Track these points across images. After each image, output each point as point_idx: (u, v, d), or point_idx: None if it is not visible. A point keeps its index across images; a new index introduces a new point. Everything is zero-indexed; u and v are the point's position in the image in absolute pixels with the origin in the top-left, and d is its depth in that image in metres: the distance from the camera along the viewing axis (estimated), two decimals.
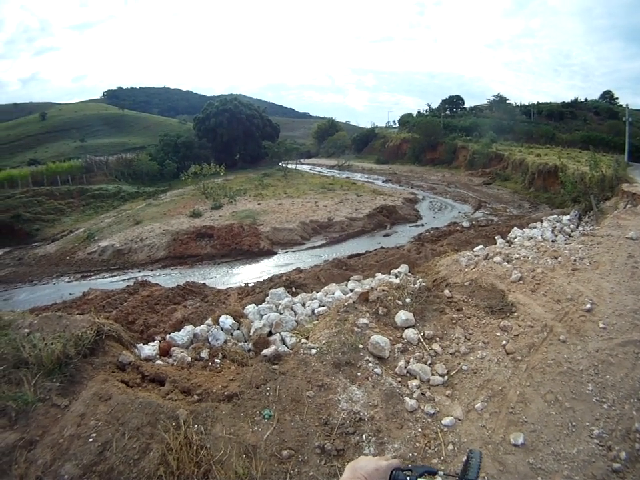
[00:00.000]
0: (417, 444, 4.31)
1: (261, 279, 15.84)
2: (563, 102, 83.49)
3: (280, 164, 55.75)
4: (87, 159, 55.26)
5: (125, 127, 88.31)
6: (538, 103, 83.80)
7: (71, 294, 17.40)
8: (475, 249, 11.92)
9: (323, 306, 8.96)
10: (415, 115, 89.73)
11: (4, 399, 4.18)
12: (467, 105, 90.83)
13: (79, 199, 40.92)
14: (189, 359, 6.00)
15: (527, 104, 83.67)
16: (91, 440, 3.94)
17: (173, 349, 6.53)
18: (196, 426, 4.19)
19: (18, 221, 34.36)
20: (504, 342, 5.80)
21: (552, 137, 58.31)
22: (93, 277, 21.65)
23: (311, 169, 63.52)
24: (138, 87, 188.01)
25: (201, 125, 62.70)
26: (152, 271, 21.47)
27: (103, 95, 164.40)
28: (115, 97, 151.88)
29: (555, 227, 17.41)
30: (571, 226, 17.45)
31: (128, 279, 19.40)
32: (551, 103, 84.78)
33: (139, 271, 21.57)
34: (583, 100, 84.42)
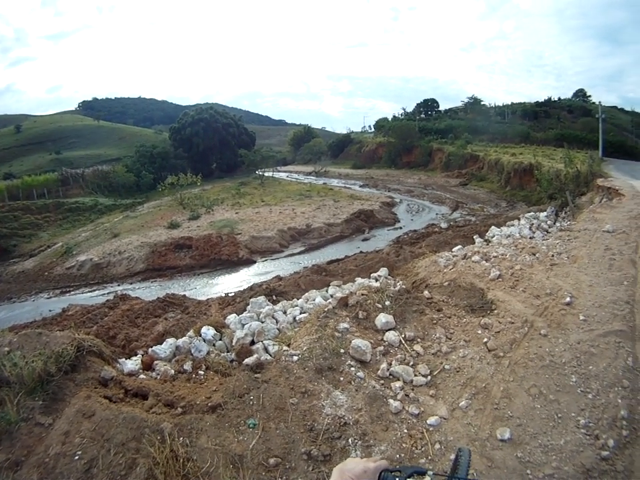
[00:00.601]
0: (404, 445, 4.33)
1: (241, 288, 15.84)
2: (537, 101, 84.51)
3: (257, 172, 55.73)
4: (62, 171, 54.76)
5: (100, 139, 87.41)
6: (512, 104, 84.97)
7: (50, 310, 17.19)
8: (453, 250, 12.02)
9: (304, 313, 8.94)
10: (390, 120, 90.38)
11: None
12: (441, 108, 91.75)
13: (55, 212, 40.42)
14: (172, 371, 5.94)
15: (502, 105, 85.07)
16: (76, 458, 3.89)
17: (155, 362, 6.46)
18: (181, 438, 4.16)
19: None
20: (485, 339, 5.86)
21: (526, 136, 59.08)
22: (72, 293, 21.38)
23: (287, 177, 63.58)
24: (113, 98, 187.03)
25: (176, 134, 62.44)
26: (131, 284, 21.30)
27: (79, 105, 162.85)
28: (90, 107, 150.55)
29: (533, 223, 17.60)
30: (548, 222, 17.69)
31: (107, 293, 19.24)
32: (524, 103, 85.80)
33: (119, 285, 21.37)
34: (556, 99, 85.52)
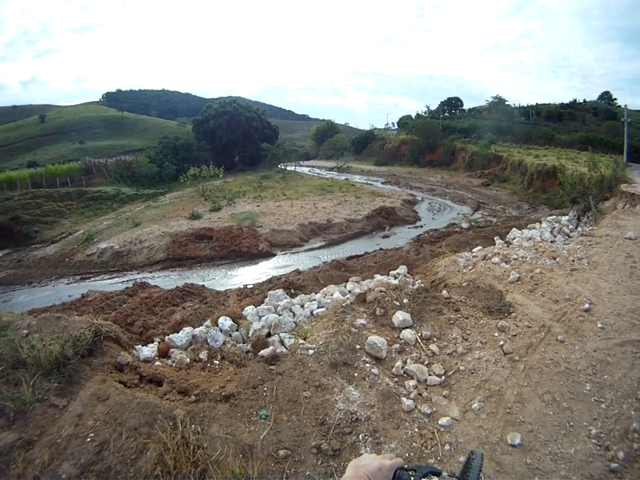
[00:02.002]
0: (414, 444, 4.30)
1: (260, 281, 15.89)
2: (562, 103, 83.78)
3: (279, 166, 55.81)
4: (85, 161, 55.40)
5: (123, 129, 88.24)
6: (537, 104, 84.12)
7: (70, 296, 17.42)
8: (473, 250, 11.92)
9: (322, 307, 8.94)
10: (413, 117, 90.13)
11: (2, 399, 4.19)
12: (465, 107, 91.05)
13: (77, 201, 41.08)
14: (188, 360, 5.99)
15: (526, 105, 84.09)
16: (88, 440, 3.93)
17: (171, 350, 6.51)
18: (193, 426, 4.18)
19: (17, 223, 34.58)
20: (501, 342, 5.80)
21: (551, 137, 58.54)
22: (92, 279, 21.71)
23: (310, 171, 63.70)
24: (137, 90, 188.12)
25: (199, 127, 62.70)
26: (151, 272, 21.53)
27: (102, 97, 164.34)
28: (114, 99, 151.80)
29: (554, 227, 17.40)
30: (570, 226, 17.46)
31: (127, 281, 19.48)
32: (549, 104, 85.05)
33: (138, 273, 21.63)
34: (581, 101, 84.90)
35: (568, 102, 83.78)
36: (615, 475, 3.95)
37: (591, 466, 4.05)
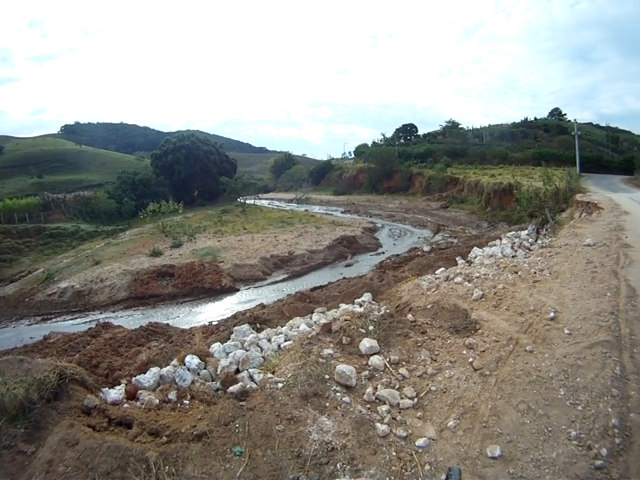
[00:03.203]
0: (393, 468, 4.34)
1: (225, 317, 15.65)
2: (514, 122, 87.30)
3: (238, 199, 55.63)
4: (44, 196, 54.78)
5: (82, 163, 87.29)
6: (489, 125, 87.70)
7: (31, 337, 16.95)
8: (436, 272, 12.09)
9: (289, 340, 8.88)
10: (370, 145, 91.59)
11: None
12: (420, 132, 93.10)
13: (36, 237, 40.28)
14: (157, 401, 5.90)
15: (479, 127, 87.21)
16: None
17: (139, 391, 6.39)
18: (167, 467, 4.12)
19: None
20: (470, 359, 5.90)
21: (505, 157, 60.58)
22: (53, 320, 21.07)
23: (269, 204, 63.83)
24: (95, 122, 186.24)
25: (158, 161, 62.39)
26: (114, 312, 20.98)
27: (61, 129, 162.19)
28: (72, 131, 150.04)
29: (514, 242, 17.81)
30: (530, 240, 17.92)
31: (90, 321, 18.97)
32: (501, 124, 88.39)
33: (101, 313, 21.05)
34: (532, 119, 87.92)
35: (520, 121, 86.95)
36: (601, 472, 4.04)
37: (575, 466, 4.14)
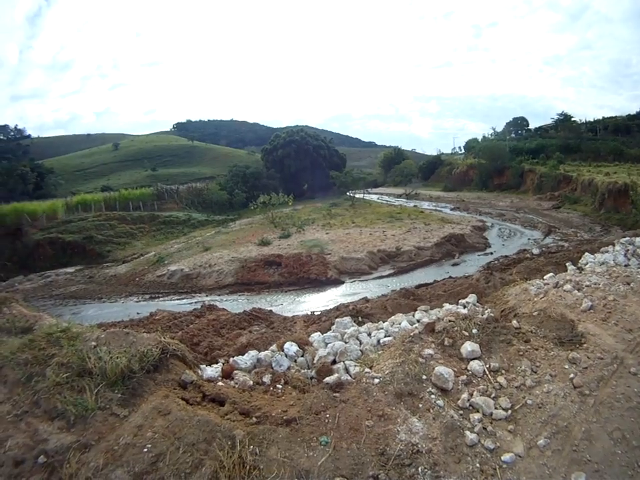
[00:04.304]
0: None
1: (328, 308, 15.70)
2: (629, 114, 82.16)
3: (347, 193, 56.03)
4: (158, 187, 58.22)
5: (194, 158, 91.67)
6: (603, 118, 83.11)
7: (138, 313, 17.93)
8: (544, 277, 11.54)
9: (389, 336, 8.79)
10: (480, 140, 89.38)
11: (64, 403, 4.42)
12: (531, 126, 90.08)
13: (149, 224, 42.85)
14: (251, 382, 6.01)
15: (592, 120, 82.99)
16: (145, 450, 4.05)
17: (235, 372, 6.56)
18: (251, 447, 4.21)
19: (90, 242, 36.44)
20: (572, 375, 5.54)
21: (620, 153, 57.31)
22: (160, 299, 22.32)
23: (378, 198, 63.49)
24: (206, 120, 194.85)
25: (268, 156, 64.21)
26: (219, 295, 21.81)
27: (173, 127, 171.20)
28: (184, 129, 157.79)
29: (628, 249, 16.60)
30: None
31: (195, 303, 19.79)
32: (616, 117, 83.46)
33: (207, 296, 21.92)
34: None
35: (635, 112, 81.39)
36: None
37: None
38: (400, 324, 9.60)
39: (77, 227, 38.74)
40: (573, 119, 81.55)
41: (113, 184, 70.73)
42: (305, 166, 61.21)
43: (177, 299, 22.00)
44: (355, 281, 23.03)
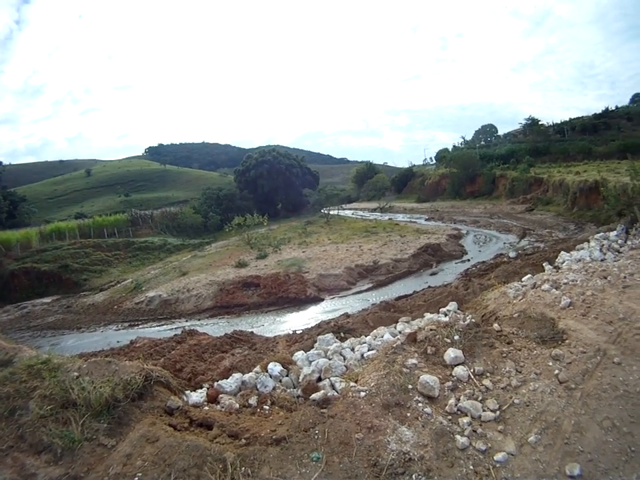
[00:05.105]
0: None
1: (309, 326, 15.77)
2: (594, 114, 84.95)
3: (322, 211, 56.37)
4: (132, 212, 57.92)
5: (167, 182, 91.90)
6: (570, 119, 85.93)
7: (118, 341, 17.88)
8: (522, 279, 11.69)
9: (373, 349, 8.81)
10: (450, 150, 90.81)
11: (50, 437, 4.36)
12: (500, 132, 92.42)
13: (125, 251, 42.50)
14: (237, 405, 5.98)
15: (560, 122, 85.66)
16: (136, 479, 4.02)
17: (220, 395, 6.52)
18: (243, 468, 4.19)
19: (66, 271, 36.07)
20: (556, 371, 5.61)
21: (588, 151, 59.04)
22: (140, 326, 22.10)
23: (352, 214, 63.76)
24: (178, 143, 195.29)
25: (241, 177, 64.37)
26: (199, 320, 21.64)
27: (145, 151, 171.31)
28: (156, 153, 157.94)
29: (603, 244, 16.95)
30: (619, 241, 16.98)
31: (175, 328, 19.62)
32: (582, 117, 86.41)
33: (186, 321, 21.77)
34: (613, 108, 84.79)
35: (600, 112, 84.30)
36: None
37: None
38: (382, 337, 9.64)
39: (52, 255, 38.39)
40: (540, 123, 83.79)
41: (86, 211, 70.66)
42: (278, 185, 61.40)
43: (157, 326, 21.80)
44: (334, 297, 22.97)
